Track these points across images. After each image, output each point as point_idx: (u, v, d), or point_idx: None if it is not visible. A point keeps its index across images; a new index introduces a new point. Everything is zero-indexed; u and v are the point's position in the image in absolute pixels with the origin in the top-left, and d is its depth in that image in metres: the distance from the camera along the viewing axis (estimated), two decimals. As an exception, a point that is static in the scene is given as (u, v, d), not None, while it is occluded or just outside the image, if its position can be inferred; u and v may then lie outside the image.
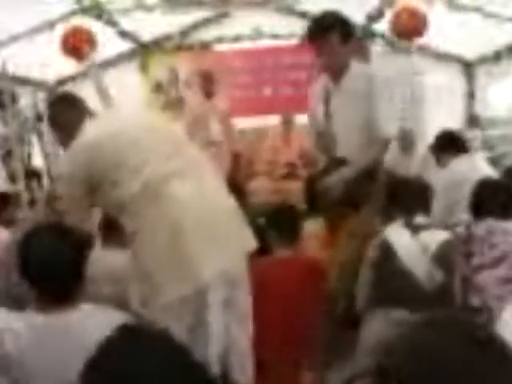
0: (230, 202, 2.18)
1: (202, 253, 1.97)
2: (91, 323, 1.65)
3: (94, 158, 2.07)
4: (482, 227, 2.40)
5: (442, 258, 2.23)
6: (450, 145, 3.75)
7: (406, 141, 5.66)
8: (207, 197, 2.09)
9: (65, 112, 2.28)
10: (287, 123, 5.93)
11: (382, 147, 2.75)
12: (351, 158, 2.74)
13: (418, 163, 4.93)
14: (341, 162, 2.75)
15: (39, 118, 4.35)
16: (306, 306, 2.49)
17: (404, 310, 2.13)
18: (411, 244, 2.26)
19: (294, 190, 4.79)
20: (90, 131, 2.15)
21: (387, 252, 2.28)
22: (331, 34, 2.62)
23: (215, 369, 1.99)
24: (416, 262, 2.21)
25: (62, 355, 1.59)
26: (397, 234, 2.31)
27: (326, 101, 2.81)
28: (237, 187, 2.76)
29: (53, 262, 1.66)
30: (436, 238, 2.29)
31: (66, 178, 2.22)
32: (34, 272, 1.68)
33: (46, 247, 1.69)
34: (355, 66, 2.75)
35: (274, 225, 2.77)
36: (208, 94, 5.40)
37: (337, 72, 2.75)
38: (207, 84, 5.41)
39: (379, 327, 2.19)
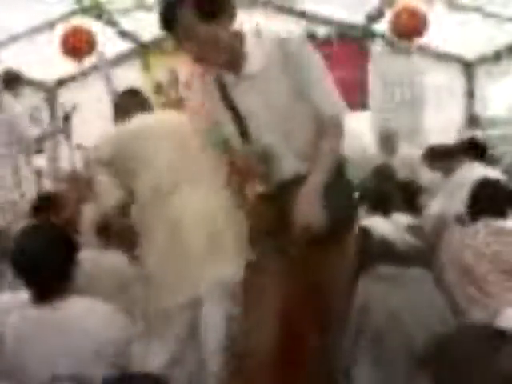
0: (236, 209, 2.14)
1: (200, 260, 1.98)
2: (81, 316, 1.71)
3: (121, 149, 2.19)
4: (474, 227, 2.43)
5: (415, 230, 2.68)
6: (472, 151, 3.84)
7: (390, 142, 5.66)
8: (212, 205, 2.09)
9: (126, 104, 2.45)
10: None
11: (338, 134, 1.84)
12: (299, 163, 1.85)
13: (410, 163, 4.95)
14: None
15: (66, 118, 4.35)
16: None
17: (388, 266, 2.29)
18: (385, 223, 2.70)
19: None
20: (125, 125, 2.28)
21: (366, 231, 2.46)
22: (186, 19, 1.68)
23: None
24: (390, 232, 2.58)
25: (52, 348, 1.64)
26: (372, 221, 2.70)
27: (225, 98, 1.89)
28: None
29: (38, 258, 1.73)
30: (404, 219, 2.80)
31: (100, 162, 2.30)
32: (21, 267, 1.75)
33: (33, 244, 1.76)
34: (257, 44, 1.80)
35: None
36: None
37: (230, 62, 1.81)
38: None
39: (367, 282, 2.25)
